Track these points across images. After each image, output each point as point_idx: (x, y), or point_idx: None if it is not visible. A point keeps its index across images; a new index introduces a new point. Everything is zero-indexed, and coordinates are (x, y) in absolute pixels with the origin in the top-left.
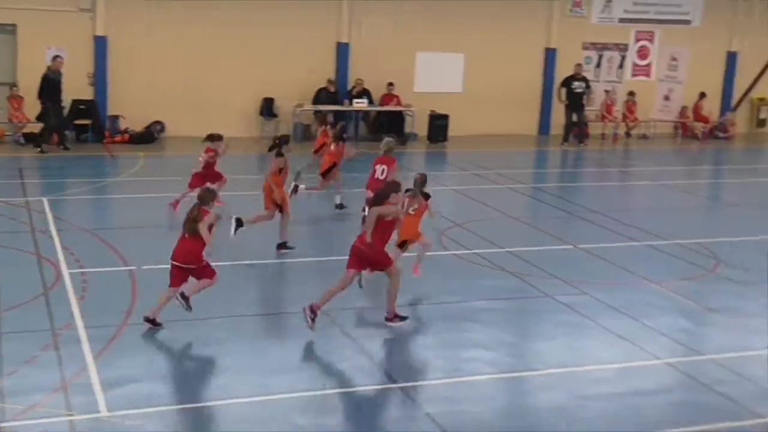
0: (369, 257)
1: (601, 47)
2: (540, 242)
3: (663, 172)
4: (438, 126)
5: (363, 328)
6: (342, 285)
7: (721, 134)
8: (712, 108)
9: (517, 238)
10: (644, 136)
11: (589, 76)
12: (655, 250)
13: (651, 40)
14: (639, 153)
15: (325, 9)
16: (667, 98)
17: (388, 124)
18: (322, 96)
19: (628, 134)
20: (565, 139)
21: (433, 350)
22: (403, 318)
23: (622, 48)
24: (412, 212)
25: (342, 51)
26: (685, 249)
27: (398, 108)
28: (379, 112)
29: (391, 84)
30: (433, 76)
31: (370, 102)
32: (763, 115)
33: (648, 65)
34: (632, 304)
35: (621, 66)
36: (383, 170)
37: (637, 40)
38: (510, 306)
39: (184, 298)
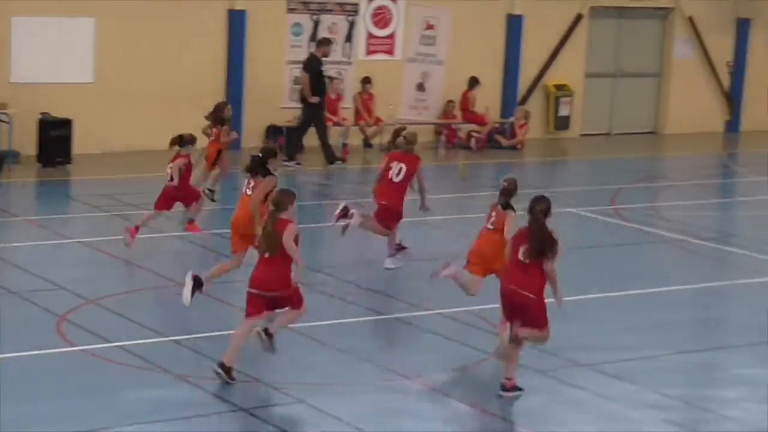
0: (531, 308)
1: (317, 8)
2: (229, 323)
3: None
4: (55, 139)
5: None
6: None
7: (504, 141)
8: (490, 101)
9: (193, 318)
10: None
11: (301, 52)
12: (413, 327)
13: None
14: (372, 175)
15: None
16: (421, 87)
17: None
18: None
19: (367, 144)
20: (333, 158)
21: None
22: (520, 389)
23: (350, 10)
24: (491, 227)
25: None
26: (458, 323)
27: None
28: None
29: None
30: (43, 55)
31: None
32: (564, 111)
33: (390, 36)
34: (370, 414)
35: (349, 39)
36: (401, 170)
37: None
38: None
39: (269, 335)
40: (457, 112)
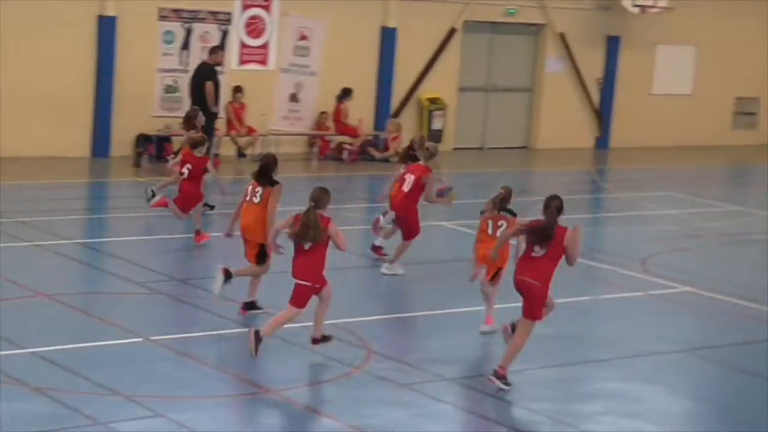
0: (539, 296)
1: (189, 17)
2: (89, 335)
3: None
4: None
5: None
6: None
7: (377, 154)
8: (363, 113)
9: (48, 330)
10: None
11: (173, 61)
12: (277, 340)
13: (267, 8)
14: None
15: None
16: (294, 98)
17: None
18: None
19: (240, 154)
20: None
21: None
22: (507, 383)
23: (223, 19)
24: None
25: None
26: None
27: None
28: None
29: None
30: None
31: None
32: (437, 125)
33: (264, 46)
34: (231, 428)
35: (222, 47)
36: (411, 181)
37: (246, 7)
38: None
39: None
40: (330, 124)
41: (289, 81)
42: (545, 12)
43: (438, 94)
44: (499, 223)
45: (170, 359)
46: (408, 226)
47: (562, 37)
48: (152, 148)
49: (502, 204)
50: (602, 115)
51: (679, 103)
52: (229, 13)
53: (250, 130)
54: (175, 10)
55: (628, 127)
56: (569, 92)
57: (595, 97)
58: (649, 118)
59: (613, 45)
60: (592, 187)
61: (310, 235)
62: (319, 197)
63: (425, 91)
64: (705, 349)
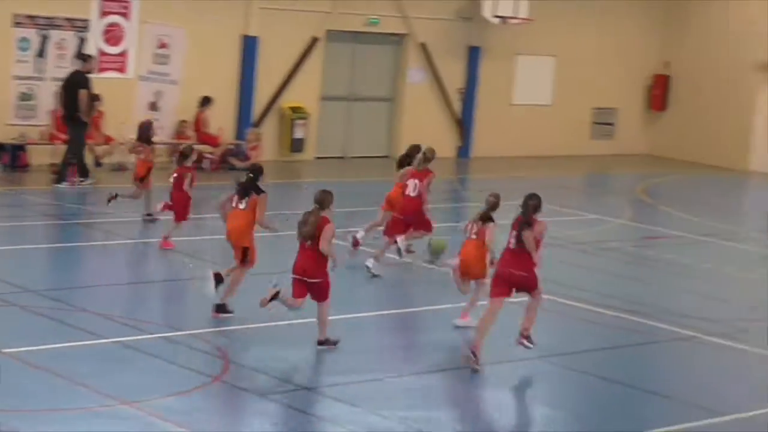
0: (526, 281)
1: (45, 24)
2: None
3: (149, 223)
4: None
5: None
6: (493, 316)
7: (238, 163)
8: (225, 122)
9: None
10: (121, 167)
11: (28, 69)
12: (133, 351)
13: (126, 15)
14: (101, 195)
15: None
16: (154, 107)
17: None
18: None
19: (97, 163)
20: (63, 179)
21: None
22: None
23: (80, 26)
24: (474, 237)
25: None
26: (179, 345)
27: None
28: None
29: None
30: None
31: None
32: (299, 134)
33: (122, 54)
34: None
35: (80, 55)
36: (415, 186)
37: (104, 15)
38: None
39: (324, 342)
40: (191, 133)
41: (149, 89)
42: (407, 22)
43: (300, 103)
44: (474, 226)
45: (22, 371)
46: (420, 222)
47: (423, 47)
48: (6, 156)
49: (484, 210)
50: (463, 124)
51: (539, 114)
52: (86, 20)
53: (108, 139)
54: (31, 17)
55: (489, 136)
56: (431, 102)
57: (457, 107)
58: (509, 128)
59: (474, 55)
60: (454, 196)
61: (305, 231)
62: (323, 199)
63: (287, 100)
64: (561, 356)
